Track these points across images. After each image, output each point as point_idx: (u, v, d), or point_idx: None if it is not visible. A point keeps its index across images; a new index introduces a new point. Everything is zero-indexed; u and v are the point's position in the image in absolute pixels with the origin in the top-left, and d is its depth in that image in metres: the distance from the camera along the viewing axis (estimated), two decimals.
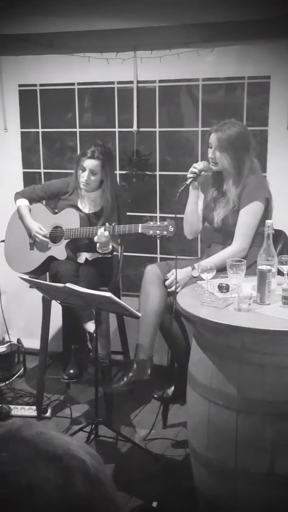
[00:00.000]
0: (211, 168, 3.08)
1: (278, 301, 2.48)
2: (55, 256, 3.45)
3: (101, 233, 3.22)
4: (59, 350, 4.07)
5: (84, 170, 3.41)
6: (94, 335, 3.16)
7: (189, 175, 3.10)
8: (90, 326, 3.20)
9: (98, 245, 3.33)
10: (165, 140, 3.87)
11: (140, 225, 3.17)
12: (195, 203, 3.22)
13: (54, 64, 3.97)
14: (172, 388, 3.21)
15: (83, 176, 3.41)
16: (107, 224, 3.26)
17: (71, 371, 3.42)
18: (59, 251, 3.45)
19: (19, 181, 4.22)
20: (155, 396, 3.25)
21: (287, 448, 2.26)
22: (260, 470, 2.28)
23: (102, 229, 3.23)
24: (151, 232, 3.13)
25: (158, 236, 3.14)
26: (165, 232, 3.10)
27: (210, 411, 2.38)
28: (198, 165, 3.09)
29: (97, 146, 3.44)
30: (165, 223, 3.11)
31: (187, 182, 3.10)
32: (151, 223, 3.15)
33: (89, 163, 3.39)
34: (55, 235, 3.52)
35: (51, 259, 3.45)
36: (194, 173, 3.08)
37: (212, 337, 2.40)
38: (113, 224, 3.25)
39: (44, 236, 3.51)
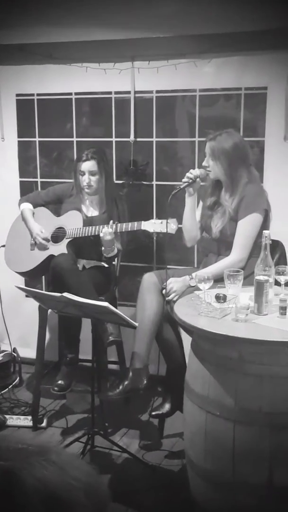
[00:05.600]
0: (208, 176, 3.09)
1: (275, 312, 2.48)
2: (55, 254, 3.46)
3: (106, 231, 3.27)
4: (55, 359, 4.05)
5: (83, 174, 3.48)
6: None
7: (184, 179, 3.11)
8: None
9: (103, 248, 3.36)
10: (162, 150, 3.88)
11: (142, 222, 3.20)
12: (192, 210, 3.22)
13: (52, 74, 3.98)
14: (169, 402, 3.19)
15: (84, 180, 3.47)
16: (111, 222, 3.30)
17: (61, 382, 3.38)
18: (59, 250, 3.47)
19: (16, 190, 4.22)
20: (152, 414, 3.23)
21: (285, 459, 2.26)
22: (259, 482, 2.27)
23: (106, 227, 3.27)
24: (153, 229, 3.16)
25: (160, 234, 3.18)
26: (166, 230, 3.12)
27: (207, 421, 2.37)
28: (195, 171, 3.10)
29: (89, 148, 3.52)
30: (167, 220, 3.13)
31: (181, 186, 3.11)
32: (153, 220, 3.18)
33: (86, 166, 3.46)
34: (57, 235, 3.55)
35: (51, 258, 3.46)
36: (190, 178, 3.08)
37: (209, 348, 2.40)
38: (115, 222, 3.29)
39: (44, 238, 3.53)
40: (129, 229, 3.27)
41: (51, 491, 0.70)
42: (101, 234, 3.29)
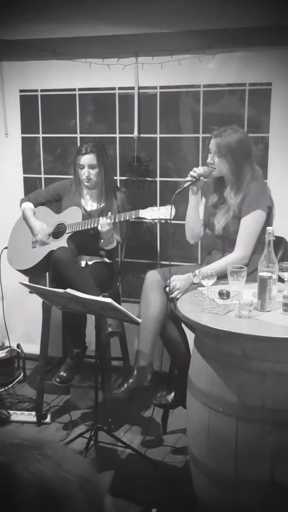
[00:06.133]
0: (212, 174, 3.08)
1: (278, 308, 2.48)
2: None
3: (103, 222, 3.26)
4: (59, 355, 4.06)
5: (82, 167, 3.49)
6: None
7: (187, 178, 3.10)
8: None
9: (102, 241, 3.36)
10: (166, 146, 3.87)
11: (140, 210, 3.19)
12: (195, 208, 3.22)
13: (56, 70, 3.97)
14: (172, 394, 3.20)
15: (84, 173, 3.48)
16: (109, 213, 3.29)
17: (64, 374, 3.40)
18: (59, 245, 3.47)
19: (20, 186, 4.22)
20: (155, 402, 3.24)
21: (287, 456, 2.25)
22: (261, 478, 2.27)
23: (104, 218, 3.27)
24: (151, 216, 3.15)
25: (158, 220, 3.17)
26: (165, 215, 3.12)
27: (210, 418, 2.37)
28: (198, 170, 3.09)
29: (88, 142, 3.53)
30: (165, 207, 3.13)
31: (185, 185, 3.10)
32: (151, 208, 3.18)
33: (85, 159, 3.47)
34: (58, 231, 3.55)
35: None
36: (193, 177, 3.08)
37: (212, 344, 2.40)
38: (114, 213, 3.28)
39: (45, 235, 3.55)
40: (128, 218, 3.27)
41: (45, 484, 0.70)
42: (99, 227, 3.29)
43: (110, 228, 3.29)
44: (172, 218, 3.10)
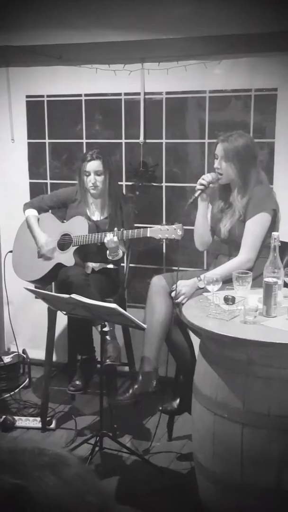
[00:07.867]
0: (218, 180, 3.08)
1: (284, 314, 2.47)
2: (63, 263, 3.44)
3: (110, 239, 3.24)
4: (65, 361, 4.06)
5: (88, 174, 3.44)
6: (107, 337, 3.14)
7: (198, 187, 3.11)
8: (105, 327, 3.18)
9: (108, 252, 3.34)
10: (172, 152, 3.87)
11: (148, 229, 3.19)
12: (205, 215, 3.22)
13: (62, 76, 3.99)
14: (177, 400, 3.18)
15: (90, 180, 3.44)
16: (115, 229, 3.27)
17: (77, 382, 3.40)
18: (67, 258, 3.45)
19: (26, 191, 4.23)
20: (160, 408, 3.22)
21: None
22: (267, 485, 2.26)
23: (111, 234, 3.24)
24: (159, 235, 3.15)
25: (166, 240, 3.16)
26: (173, 236, 3.12)
27: (215, 424, 2.36)
28: (207, 177, 3.09)
29: (93, 149, 3.50)
30: (173, 226, 3.13)
31: (196, 195, 3.11)
32: (159, 226, 3.17)
33: (92, 165, 3.43)
34: (64, 243, 3.52)
35: (59, 266, 3.45)
36: (203, 185, 3.09)
37: (217, 350, 2.39)
38: (122, 229, 3.26)
39: (48, 251, 3.51)
40: (135, 236, 3.24)
41: (61, 508, 0.70)
42: (105, 241, 3.27)
43: (116, 245, 3.28)
44: (180, 237, 3.11)
